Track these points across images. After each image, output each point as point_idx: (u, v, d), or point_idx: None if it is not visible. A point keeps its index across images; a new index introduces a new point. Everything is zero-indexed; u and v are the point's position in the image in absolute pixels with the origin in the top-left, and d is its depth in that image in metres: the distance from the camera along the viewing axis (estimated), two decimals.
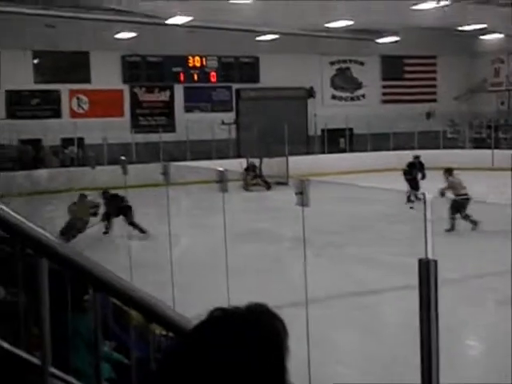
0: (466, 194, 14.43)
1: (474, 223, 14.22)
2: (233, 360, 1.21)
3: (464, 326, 8.80)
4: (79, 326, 2.88)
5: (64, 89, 27.00)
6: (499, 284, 10.10)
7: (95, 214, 14.54)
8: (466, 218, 14.28)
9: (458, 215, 14.32)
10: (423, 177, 19.36)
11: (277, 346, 1.26)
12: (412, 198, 17.63)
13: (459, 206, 14.33)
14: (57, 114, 27.05)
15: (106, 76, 27.23)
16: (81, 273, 1.99)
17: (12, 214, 1.97)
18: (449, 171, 15.09)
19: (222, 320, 1.27)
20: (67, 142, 26.37)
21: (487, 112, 31.95)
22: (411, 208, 16.23)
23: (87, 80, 27.33)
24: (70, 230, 13.45)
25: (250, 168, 24.39)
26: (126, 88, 28.41)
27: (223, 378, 1.21)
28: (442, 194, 14.27)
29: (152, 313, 2.07)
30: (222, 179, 8.84)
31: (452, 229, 14.21)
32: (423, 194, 4.02)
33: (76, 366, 2.63)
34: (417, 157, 20.41)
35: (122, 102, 28.32)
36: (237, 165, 22.29)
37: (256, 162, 24.70)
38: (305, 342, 5.71)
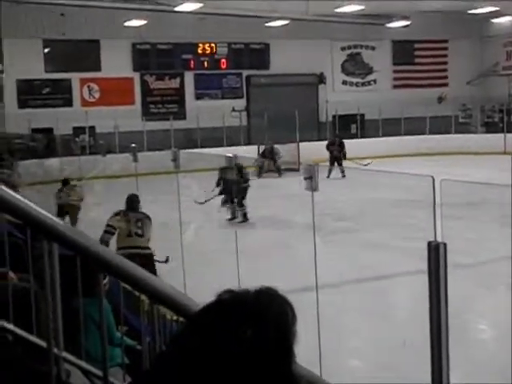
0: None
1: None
2: (240, 343, 1.22)
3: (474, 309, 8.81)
4: (91, 311, 2.82)
5: (75, 77, 27.03)
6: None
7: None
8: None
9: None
10: (344, 156, 22.35)
11: (285, 329, 1.26)
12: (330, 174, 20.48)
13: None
14: (68, 102, 27.11)
15: (117, 64, 27.22)
16: (90, 257, 2.01)
17: (22, 200, 2.00)
18: None
19: (231, 302, 1.27)
20: (78, 130, 26.44)
21: (499, 96, 31.72)
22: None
23: (98, 68, 27.35)
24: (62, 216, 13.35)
25: (266, 154, 24.11)
26: (136, 76, 28.41)
27: (230, 360, 1.21)
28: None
29: (161, 297, 2.08)
30: (231, 166, 8.85)
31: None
32: (432, 177, 4.01)
33: (88, 349, 2.66)
34: (337, 136, 23.99)
35: (133, 89, 28.33)
36: (248, 152, 22.29)
37: (276, 148, 24.14)
38: (315, 327, 5.73)
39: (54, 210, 13.55)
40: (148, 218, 8.92)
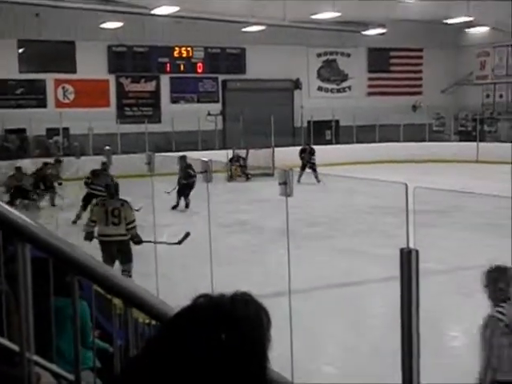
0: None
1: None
2: (215, 347, 1.21)
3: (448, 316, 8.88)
4: (68, 310, 2.74)
5: (49, 78, 26.83)
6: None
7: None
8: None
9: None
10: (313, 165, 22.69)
11: (260, 334, 1.26)
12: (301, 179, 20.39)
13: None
14: (42, 103, 26.89)
15: (92, 66, 27.08)
16: (62, 259, 1.99)
17: None
18: None
19: (206, 306, 1.26)
20: (52, 131, 26.24)
21: (473, 105, 32.11)
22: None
23: (73, 70, 27.18)
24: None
25: (234, 159, 24.44)
26: (111, 78, 28.28)
27: (203, 365, 1.21)
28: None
29: (133, 300, 2.07)
30: (206, 169, 8.88)
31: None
32: (405, 185, 4.04)
33: (64, 351, 2.64)
34: (308, 144, 24.33)
35: (108, 92, 28.20)
36: (223, 156, 22.32)
37: (242, 153, 24.76)
38: (287, 332, 5.74)
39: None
40: (124, 204, 9.54)
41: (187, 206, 17.51)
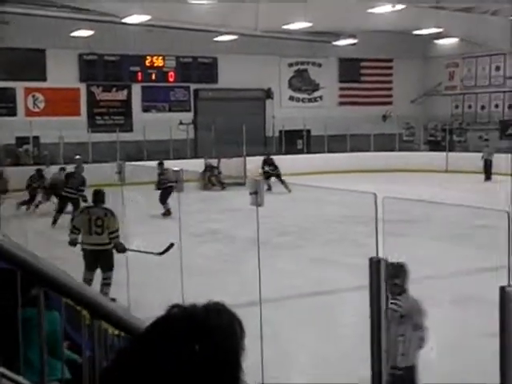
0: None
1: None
2: (189, 357, 1.21)
3: None
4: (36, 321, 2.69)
5: (19, 87, 26.57)
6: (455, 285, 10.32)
7: None
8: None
9: None
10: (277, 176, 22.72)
11: (233, 344, 1.27)
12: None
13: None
14: (12, 112, 26.61)
15: (63, 74, 26.90)
16: (29, 270, 1.98)
17: None
18: None
19: (180, 317, 1.27)
20: (22, 140, 25.99)
21: (442, 115, 32.46)
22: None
23: (43, 78, 26.96)
24: None
25: (207, 168, 24.46)
26: (82, 87, 28.10)
27: (177, 375, 1.21)
28: None
29: (101, 311, 2.07)
30: (177, 179, 8.88)
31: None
32: (374, 194, 4.08)
33: (33, 361, 2.62)
34: (270, 157, 23.94)
35: (79, 100, 28.01)
36: (194, 165, 22.27)
37: (214, 162, 24.79)
38: (258, 341, 5.74)
39: None
40: (107, 214, 9.60)
41: (168, 212, 17.41)
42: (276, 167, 23.35)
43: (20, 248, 1.99)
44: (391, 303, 5.15)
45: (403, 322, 5.27)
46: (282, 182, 22.04)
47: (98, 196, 10.03)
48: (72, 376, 3.44)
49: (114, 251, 9.57)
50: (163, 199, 17.46)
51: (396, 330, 5.12)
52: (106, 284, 9.54)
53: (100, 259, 9.53)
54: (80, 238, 9.70)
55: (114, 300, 9.32)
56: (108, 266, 9.55)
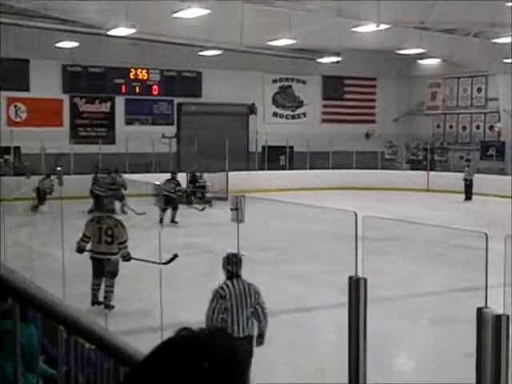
0: None
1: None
2: (199, 375, 1.27)
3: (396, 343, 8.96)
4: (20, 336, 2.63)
5: (1, 96, 26.41)
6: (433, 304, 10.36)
7: None
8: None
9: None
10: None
11: (237, 365, 1.33)
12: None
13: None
14: None
15: (46, 85, 26.82)
16: (4, 285, 1.95)
17: None
18: None
19: (189, 337, 1.33)
20: (3, 150, 25.81)
21: (424, 134, 32.72)
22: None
23: (26, 88, 26.85)
24: None
25: (192, 181, 24.18)
26: (66, 98, 28.01)
27: None
28: None
29: (76, 326, 2.05)
30: (158, 193, 8.92)
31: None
32: (354, 213, 4.11)
33: (8, 371, 2.59)
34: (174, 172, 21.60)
35: (62, 111, 27.91)
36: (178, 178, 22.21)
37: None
38: None
39: None
40: (117, 224, 10.08)
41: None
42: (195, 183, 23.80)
43: None
44: (220, 287, 6.56)
45: (227, 300, 6.45)
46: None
47: (108, 206, 10.78)
48: None
49: (120, 260, 9.95)
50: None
51: (220, 307, 6.40)
52: (110, 291, 9.95)
53: (107, 267, 9.93)
54: (89, 246, 10.02)
55: (112, 307, 9.83)
56: (113, 273, 9.93)
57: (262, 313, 6.66)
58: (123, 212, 18.45)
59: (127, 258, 9.85)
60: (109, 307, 9.81)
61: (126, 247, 9.89)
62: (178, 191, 19.25)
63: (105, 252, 9.92)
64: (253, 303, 6.59)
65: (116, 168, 21.87)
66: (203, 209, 20.98)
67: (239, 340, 6.24)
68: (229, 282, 6.63)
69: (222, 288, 6.55)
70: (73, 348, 2.41)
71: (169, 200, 18.55)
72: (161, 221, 18.22)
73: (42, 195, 20.41)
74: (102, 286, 10.00)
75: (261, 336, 6.71)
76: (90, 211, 18.18)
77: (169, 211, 18.49)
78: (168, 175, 19.96)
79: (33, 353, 3.32)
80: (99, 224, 10.03)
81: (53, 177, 18.41)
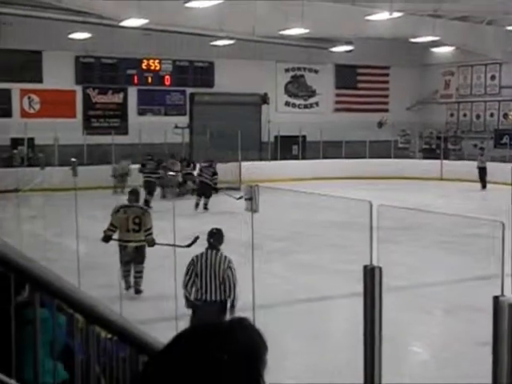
0: None
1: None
2: (212, 372, 1.28)
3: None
4: (26, 339, 2.42)
5: (15, 88, 26.53)
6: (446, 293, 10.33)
7: None
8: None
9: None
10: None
11: (256, 356, 1.34)
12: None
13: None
14: (7, 113, 26.53)
15: (59, 76, 26.86)
16: (20, 274, 1.97)
17: None
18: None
19: (206, 329, 1.35)
20: (17, 141, 25.93)
21: (437, 123, 32.54)
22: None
23: (39, 80, 26.92)
24: None
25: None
26: (78, 89, 28.07)
27: (209, 380, 1.27)
28: None
29: (94, 315, 2.06)
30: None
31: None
32: (369, 202, 4.09)
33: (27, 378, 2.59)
34: (212, 160, 21.68)
35: (75, 102, 27.98)
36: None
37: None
38: None
39: None
40: (144, 213, 10.49)
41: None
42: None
43: (16, 253, 1.98)
44: (195, 255, 7.53)
45: (197, 266, 7.39)
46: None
47: (134, 195, 10.81)
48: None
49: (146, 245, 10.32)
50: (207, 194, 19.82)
51: (191, 272, 7.35)
52: (139, 276, 10.37)
53: (136, 254, 10.27)
54: (116, 235, 10.27)
55: (141, 292, 10.27)
56: (140, 260, 10.33)
57: (229, 284, 7.36)
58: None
59: (152, 243, 10.16)
60: (138, 292, 10.30)
61: (151, 234, 10.19)
62: (214, 179, 20.12)
63: (132, 240, 10.23)
64: (221, 273, 7.36)
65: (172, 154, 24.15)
66: (240, 197, 20.65)
67: (210, 303, 7.28)
68: (204, 252, 7.53)
69: (196, 256, 7.51)
70: (91, 337, 2.43)
71: (205, 187, 19.74)
72: (196, 206, 19.40)
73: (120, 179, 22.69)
74: (132, 272, 10.38)
75: (232, 306, 7.39)
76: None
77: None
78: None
79: (62, 342, 3.34)
80: (126, 214, 10.31)
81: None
